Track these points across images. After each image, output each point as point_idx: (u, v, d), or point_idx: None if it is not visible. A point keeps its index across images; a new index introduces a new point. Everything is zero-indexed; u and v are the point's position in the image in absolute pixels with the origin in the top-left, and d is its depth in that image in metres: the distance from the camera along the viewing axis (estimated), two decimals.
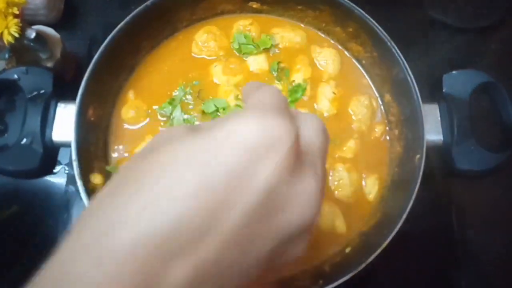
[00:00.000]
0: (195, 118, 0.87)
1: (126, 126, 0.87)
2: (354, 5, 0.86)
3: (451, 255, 0.92)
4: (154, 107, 0.88)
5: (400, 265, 0.89)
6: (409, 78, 0.80)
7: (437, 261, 0.92)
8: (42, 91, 0.76)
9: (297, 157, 0.33)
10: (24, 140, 0.73)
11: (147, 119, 0.87)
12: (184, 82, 0.90)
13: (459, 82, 0.82)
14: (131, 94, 0.89)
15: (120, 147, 0.85)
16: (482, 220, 0.96)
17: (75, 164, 0.73)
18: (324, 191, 0.38)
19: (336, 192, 0.83)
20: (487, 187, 0.95)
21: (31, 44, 0.92)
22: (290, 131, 0.32)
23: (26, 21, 0.96)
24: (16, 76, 0.76)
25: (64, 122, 0.77)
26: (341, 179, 0.83)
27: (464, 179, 0.89)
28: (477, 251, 0.95)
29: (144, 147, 0.36)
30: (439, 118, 0.81)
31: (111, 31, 0.83)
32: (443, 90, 0.81)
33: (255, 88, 0.43)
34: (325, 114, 0.89)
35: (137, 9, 0.84)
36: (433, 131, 0.80)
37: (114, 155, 0.84)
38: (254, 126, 0.31)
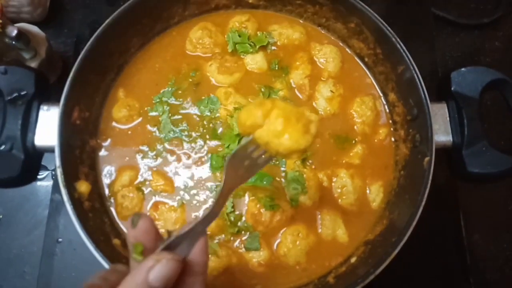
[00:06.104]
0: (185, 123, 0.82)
1: (116, 125, 0.82)
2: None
3: (459, 261, 0.87)
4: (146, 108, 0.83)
5: (407, 273, 0.84)
6: (415, 76, 0.75)
7: (445, 268, 0.87)
8: (23, 93, 0.70)
9: None
10: (3, 146, 0.67)
11: (140, 118, 0.82)
12: (174, 78, 0.85)
13: (468, 79, 0.77)
14: (121, 93, 0.84)
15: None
16: (490, 226, 0.91)
17: (59, 171, 0.67)
18: None
19: (339, 200, 0.78)
20: (496, 191, 0.91)
21: (13, 42, 0.86)
22: None
23: (9, 19, 0.90)
24: None
25: (48, 126, 0.72)
26: (344, 186, 0.78)
27: (473, 183, 0.84)
28: (485, 258, 0.91)
29: None
30: (448, 118, 0.76)
31: (98, 29, 0.78)
32: (452, 88, 0.77)
33: None
34: (321, 113, 0.84)
35: (124, 6, 0.78)
36: (442, 132, 0.76)
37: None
38: None
